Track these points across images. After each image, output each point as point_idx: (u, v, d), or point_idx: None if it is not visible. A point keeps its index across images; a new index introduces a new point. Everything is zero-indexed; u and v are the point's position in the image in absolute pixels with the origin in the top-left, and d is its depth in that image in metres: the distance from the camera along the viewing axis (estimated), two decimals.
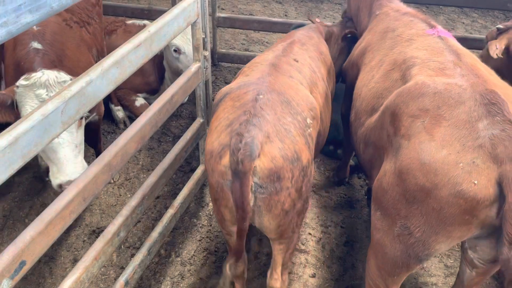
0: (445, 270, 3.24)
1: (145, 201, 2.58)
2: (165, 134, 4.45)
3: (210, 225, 3.50)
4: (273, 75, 2.40)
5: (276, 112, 2.15)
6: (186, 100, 4.77)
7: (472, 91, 1.90)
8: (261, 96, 2.19)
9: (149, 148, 4.26)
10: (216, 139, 2.12)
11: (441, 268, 3.25)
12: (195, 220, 3.54)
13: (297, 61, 2.66)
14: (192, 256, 3.26)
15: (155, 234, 2.83)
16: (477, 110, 1.82)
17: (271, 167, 2.03)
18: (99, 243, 2.22)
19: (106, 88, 1.97)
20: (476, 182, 1.68)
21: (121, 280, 2.52)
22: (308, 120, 2.30)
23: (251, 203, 2.11)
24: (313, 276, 3.16)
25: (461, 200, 1.71)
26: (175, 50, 4.06)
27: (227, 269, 2.44)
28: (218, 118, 2.21)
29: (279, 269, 2.48)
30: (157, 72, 4.41)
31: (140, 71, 4.34)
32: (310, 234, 3.47)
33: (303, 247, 3.36)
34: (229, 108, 2.20)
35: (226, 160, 2.05)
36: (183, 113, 4.76)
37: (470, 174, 1.70)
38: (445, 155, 1.77)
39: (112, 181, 3.83)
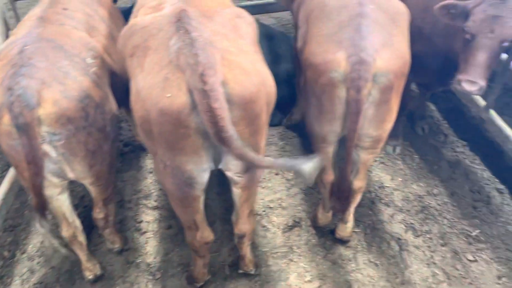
0: (286, 183, 3.56)
1: None
2: None
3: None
4: (42, 26, 2.38)
5: (48, 58, 2.18)
6: None
7: (170, 16, 2.01)
8: (27, 47, 2.17)
9: None
10: None
11: (283, 183, 3.57)
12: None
13: (66, 9, 2.61)
14: (39, 249, 3.12)
15: None
16: (170, 31, 1.95)
17: (56, 110, 2.07)
18: None
19: None
20: (169, 95, 1.81)
21: None
22: (89, 60, 2.37)
23: (53, 154, 2.16)
24: (169, 227, 3.25)
25: (166, 116, 1.83)
26: None
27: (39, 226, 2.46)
28: None
29: (101, 204, 2.68)
30: None
31: None
32: (160, 189, 3.53)
33: (155, 204, 3.42)
34: None
35: (6, 118, 2.03)
36: None
37: (164, 89, 1.82)
38: (149, 80, 1.89)
39: None
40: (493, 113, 3.35)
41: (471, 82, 2.64)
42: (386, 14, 2.37)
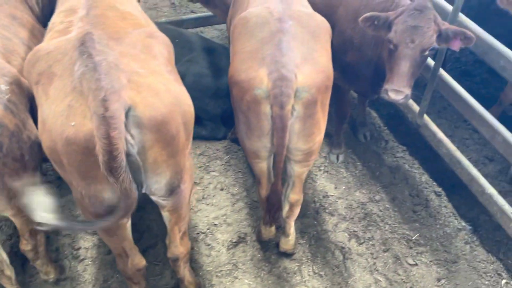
0: (231, 198, 3.53)
1: None
2: None
3: None
4: None
5: None
6: None
7: (75, 40, 1.96)
8: None
9: None
10: None
11: (228, 199, 3.53)
12: None
13: None
14: None
15: None
16: (74, 56, 1.90)
17: None
18: None
19: None
20: (73, 123, 1.76)
21: None
22: (3, 87, 2.25)
23: None
24: (108, 253, 3.14)
25: (72, 145, 1.77)
26: None
27: None
28: None
29: (27, 235, 2.56)
30: None
31: None
32: None
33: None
34: None
35: None
36: None
37: (68, 118, 1.77)
38: (54, 109, 1.83)
39: None
40: (427, 118, 3.46)
41: (397, 91, 2.71)
42: (307, 30, 2.40)
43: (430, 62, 3.28)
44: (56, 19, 2.31)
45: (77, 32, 2.02)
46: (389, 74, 2.79)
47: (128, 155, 1.82)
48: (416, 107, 3.53)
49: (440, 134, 3.33)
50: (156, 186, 2.04)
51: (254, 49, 2.33)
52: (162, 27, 4.06)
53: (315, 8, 3.39)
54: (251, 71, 2.28)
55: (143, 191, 2.08)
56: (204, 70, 3.87)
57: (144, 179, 1.99)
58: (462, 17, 2.91)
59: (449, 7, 2.98)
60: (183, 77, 3.76)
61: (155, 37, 2.19)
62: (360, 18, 2.77)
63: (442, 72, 3.19)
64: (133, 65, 1.92)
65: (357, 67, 3.22)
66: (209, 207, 3.46)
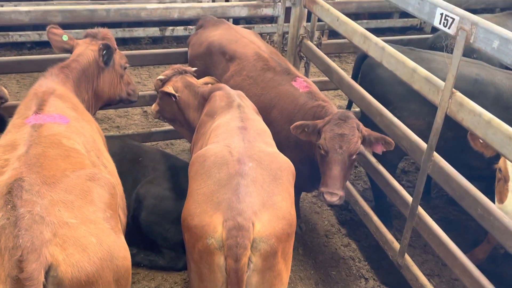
0: None
1: None
2: None
3: None
4: None
5: None
6: None
7: (3, 186, 1.90)
8: None
9: None
10: None
11: None
12: None
13: None
14: None
15: None
16: None
17: None
18: None
19: None
20: None
21: None
22: None
23: None
24: None
25: None
26: None
27: None
28: None
29: None
30: None
31: None
32: None
33: None
34: None
35: None
36: None
37: None
38: None
39: None
40: (408, 259, 3.34)
41: (331, 194, 3.02)
42: (268, 172, 2.38)
43: (408, 198, 3.27)
44: None
45: (9, 176, 1.97)
46: (323, 178, 3.13)
47: None
48: (396, 245, 3.43)
49: (423, 279, 3.19)
50: None
51: (210, 192, 2.27)
52: (126, 144, 4.10)
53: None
54: (205, 217, 2.19)
55: None
56: (166, 193, 3.77)
57: None
58: (437, 156, 2.96)
59: (424, 145, 3.05)
60: (142, 200, 3.73)
61: (96, 179, 2.14)
62: (291, 126, 3.16)
63: (420, 210, 3.16)
64: (64, 214, 1.86)
65: (294, 164, 3.25)
66: None
